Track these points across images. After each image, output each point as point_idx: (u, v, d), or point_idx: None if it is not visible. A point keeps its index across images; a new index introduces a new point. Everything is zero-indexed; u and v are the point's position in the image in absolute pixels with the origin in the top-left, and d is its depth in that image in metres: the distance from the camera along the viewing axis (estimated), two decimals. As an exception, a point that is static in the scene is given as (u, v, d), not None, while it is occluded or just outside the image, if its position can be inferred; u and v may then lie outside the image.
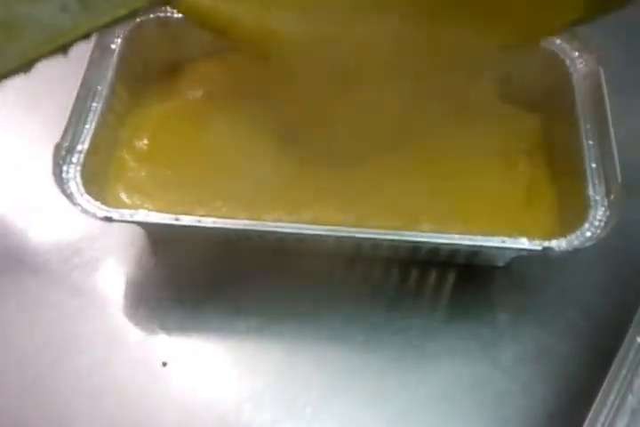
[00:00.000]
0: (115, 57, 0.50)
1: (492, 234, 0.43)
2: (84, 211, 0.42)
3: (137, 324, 0.46)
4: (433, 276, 0.49)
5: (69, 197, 0.43)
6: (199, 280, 0.48)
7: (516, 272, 0.49)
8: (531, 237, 0.43)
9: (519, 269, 0.49)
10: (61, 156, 0.44)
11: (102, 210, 0.42)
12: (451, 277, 0.49)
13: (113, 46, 0.50)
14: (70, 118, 0.46)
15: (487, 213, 0.46)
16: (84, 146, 0.45)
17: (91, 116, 0.46)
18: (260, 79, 0.49)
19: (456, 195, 0.47)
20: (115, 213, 0.42)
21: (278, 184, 0.46)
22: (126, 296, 0.47)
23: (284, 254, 0.48)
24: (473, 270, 0.49)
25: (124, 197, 0.46)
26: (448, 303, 0.48)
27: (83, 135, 0.46)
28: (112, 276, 0.48)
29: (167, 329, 0.45)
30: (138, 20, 0.51)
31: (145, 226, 0.47)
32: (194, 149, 0.49)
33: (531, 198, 0.47)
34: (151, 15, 0.52)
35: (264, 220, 0.43)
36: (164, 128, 0.50)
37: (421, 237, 0.42)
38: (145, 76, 0.53)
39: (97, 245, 0.49)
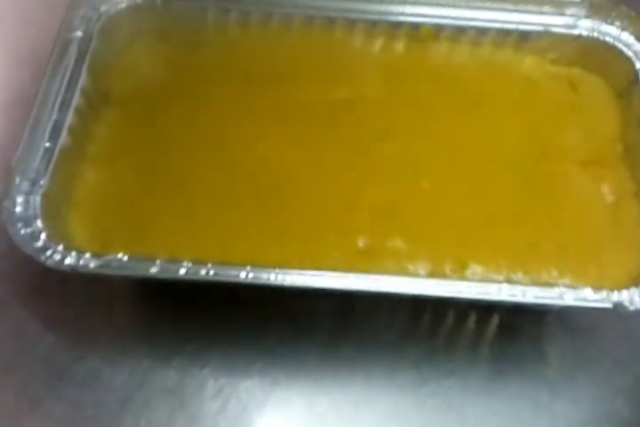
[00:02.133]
0: (85, 53, 0.40)
1: (554, 278, 0.35)
2: (42, 259, 0.33)
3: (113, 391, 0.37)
4: (472, 320, 0.41)
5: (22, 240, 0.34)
6: (186, 334, 0.39)
7: (571, 315, 0.41)
8: (608, 277, 0.35)
9: (575, 311, 0.41)
10: (14, 184, 0.35)
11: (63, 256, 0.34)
12: (493, 322, 0.41)
13: (82, 41, 0.41)
14: (28, 134, 0.37)
15: (559, 242, 0.37)
16: (43, 170, 0.36)
17: (52, 129, 0.37)
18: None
19: (516, 220, 0.38)
20: (81, 262, 0.33)
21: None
22: (98, 353, 0.38)
23: (289, 299, 0.39)
24: (520, 313, 0.40)
25: (89, 236, 0.37)
26: (491, 355, 0.40)
27: (43, 156, 0.36)
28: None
29: (147, 397, 0.37)
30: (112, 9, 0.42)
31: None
32: (178, 167, 0.39)
33: (616, 221, 0.38)
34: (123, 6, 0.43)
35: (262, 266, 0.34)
36: (140, 139, 0.40)
37: (452, 291, 0.33)
38: (117, 72, 0.43)
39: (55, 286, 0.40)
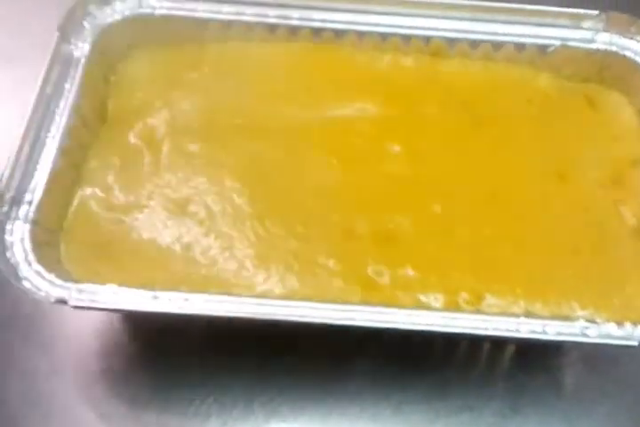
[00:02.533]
0: (80, 67, 0.38)
1: (575, 310, 0.33)
2: (32, 290, 0.31)
3: (108, 422, 0.36)
4: (486, 350, 0.39)
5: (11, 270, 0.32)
6: (188, 367, 0.37)
7: (590, 343, 0.39)
8: (632, 308, 0.33)
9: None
10: (2, 211, 0.34)
11: (56, 287, 0.32)
12: (508, 352, 0.39)
13: (77, 54, 0.39)
14: (17, 156, 0.35)
15: (579, 270, 0.35)
16: (34, 195, 0.34)
17: (44, 151, 0.35)
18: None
19: (534, 243, 0.36)
20: (74, 293, 0.31)
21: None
22: (94, 386, 0.37)
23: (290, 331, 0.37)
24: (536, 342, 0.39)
25: (83, 264, 0.34)
26: (506, 388, 0.37)
27: (33, 180, 0.35)
28: (78, 362, 0.37)
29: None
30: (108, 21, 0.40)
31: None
32: (178, 191, 0.37)
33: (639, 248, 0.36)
34: (119, 17, 0.40)
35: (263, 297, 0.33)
36: (138, 161, 0.38)
37: (467, 327, 0.31)
38: (113, 88, 0.40)
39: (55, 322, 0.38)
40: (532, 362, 0.38)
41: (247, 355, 0.37)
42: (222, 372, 0.37)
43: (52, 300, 0.31)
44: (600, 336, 0.31)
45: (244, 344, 0.37)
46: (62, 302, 0.31)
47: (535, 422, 0.37)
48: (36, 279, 0.32)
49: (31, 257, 0.33)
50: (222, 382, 0.37)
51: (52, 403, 0.36)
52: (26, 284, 0.32)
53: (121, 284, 0.32)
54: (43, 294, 0.31)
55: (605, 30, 0.41)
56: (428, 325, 0.31)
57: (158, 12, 0.40)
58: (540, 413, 0.37)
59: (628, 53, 0.41)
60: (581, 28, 0.41)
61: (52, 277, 0.32)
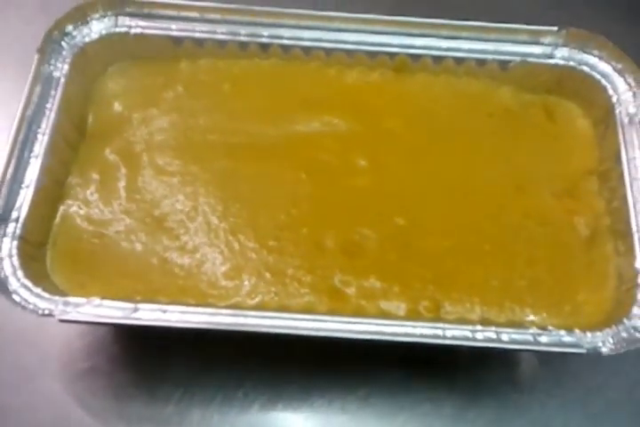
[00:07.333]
0: (60, 86, 0.40)
1: (528, 317, 0.36)
2: (21, 303, 0.34)
3: (94, 415, 0.39)
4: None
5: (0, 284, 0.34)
6: (169, 365, 0.40)
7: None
8: (582, 315, 0.36)
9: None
10: (-9, 229, 0.36)
11: (43, 300, 0.34)
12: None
13: (56, 74, 0.40)
14: (2, 177, 0.36)
15: (532, 279, 0.37)
16: (20, 212, 0.36)
17: (28, 170, 0.37)
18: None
19: (485, 251, 0.38)
20: (60, 306, 0.34)
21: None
22: (81, 381, 0.39)
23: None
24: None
25: (69, 277, 0.36)
26: (466, 382, 0.40)
27: (19, 198, 0.36)
28: (66, 361, 0.40)
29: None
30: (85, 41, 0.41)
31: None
32: (158, 205, 0.39)
33: (591, 257, 0.38)
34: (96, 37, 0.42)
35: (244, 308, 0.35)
36: (117, 176, 0.39)
37: (426, 335, 0.33)
38: (92, 105, 0.42)
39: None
40: (490, 357, 0.41)
41: (224, 352, 0.40)
42: (201, 368, 0.40)
43: (40, 313, 0.33)
44: (551, 344, 0.34)
45: (222, 343, 0.39)
46: (49, 315, 0.33)
47: (492, 413, 0.39)
48: (25, 293, 0.34)
49: (19, 272, 0.35)
50: (201, 377, 0.39)
51: (40, 399, 0.39)
52: (15, 297, 0.34)
53: (104, 296, 0.34)
54: (31, 306, 0.34)
55: (564, 45, 0.43)
56: (389, 335, 0.33)
57: (134, 31, 0.42)
58: (496, 404, 0.40)
59: (585, 68, 0.42)
60: (541, 44, 0.43)
61: (39, 290, 0.34)
